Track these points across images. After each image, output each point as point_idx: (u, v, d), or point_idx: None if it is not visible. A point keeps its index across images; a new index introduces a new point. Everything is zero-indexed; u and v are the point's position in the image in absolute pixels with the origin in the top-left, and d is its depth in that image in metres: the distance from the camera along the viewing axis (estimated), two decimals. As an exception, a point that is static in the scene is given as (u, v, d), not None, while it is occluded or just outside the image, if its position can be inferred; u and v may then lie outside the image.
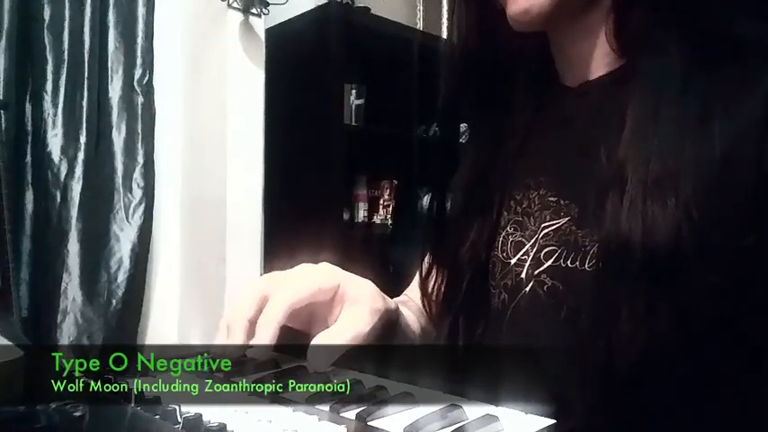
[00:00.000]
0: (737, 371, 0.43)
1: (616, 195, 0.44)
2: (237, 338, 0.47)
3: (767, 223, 0.41)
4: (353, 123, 2.26)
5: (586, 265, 0.48)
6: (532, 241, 0.54)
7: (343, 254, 1.98)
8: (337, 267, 0.53)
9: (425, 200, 2.13)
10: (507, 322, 0.54)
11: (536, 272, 0.52)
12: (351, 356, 0.48)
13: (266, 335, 0.45)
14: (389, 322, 0.54)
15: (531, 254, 0.53)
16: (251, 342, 0.46)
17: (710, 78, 0.44)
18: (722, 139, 0.42)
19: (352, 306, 0.50)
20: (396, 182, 2.42)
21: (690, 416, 0.43)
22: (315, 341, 0.47)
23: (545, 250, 0.52)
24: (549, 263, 0.51)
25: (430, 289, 0.63)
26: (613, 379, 0.43)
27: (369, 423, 0.35)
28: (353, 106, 2.27)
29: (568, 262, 0.50)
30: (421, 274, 0.64)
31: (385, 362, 0.52)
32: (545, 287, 0.51)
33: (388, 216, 2.41)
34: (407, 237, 2.22)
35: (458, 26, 0.59)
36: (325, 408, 0.38)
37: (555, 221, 0.52)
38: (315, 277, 0.50)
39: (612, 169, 0.45)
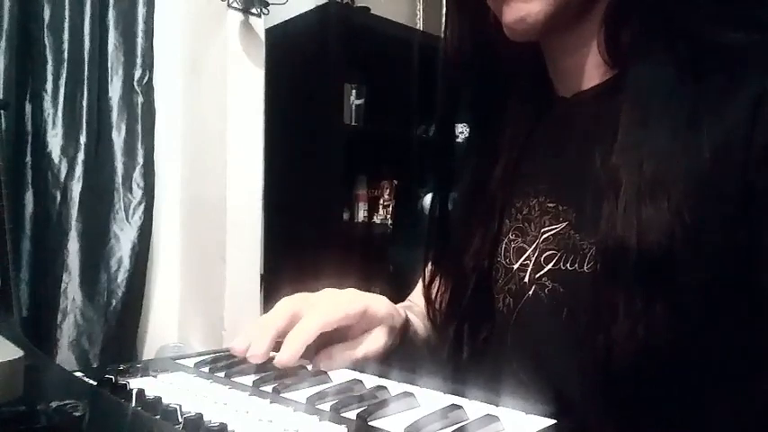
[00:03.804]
0: (735, 369, 0.44)
1: (611, 200, 0.45)
2: (264, 345, 0.49)
3: (754, 223, 0.42)
4: (353, 123, 2.26)
5: (585, 268, 0.49)
6: (533, 246, 0.55)
7: (344, 254, 1.98)
8: (360, 292, 0.57)
9: (425, 201, 2.14)
10: (512, 326, 0.55)
11: (537, 276, 0.53)
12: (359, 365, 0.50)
13: (295, 347, 0.48)
14: (400, 333, 0.58)
15: (533, 258, 0.54)
16: (281, 352, 0.48)
17: (698, 86, 0.45)
18: (710, 144, 0.43)
19: (375, 328, 0.55)
20: (396, 182, 2.42)
21: (688, 413, 0.43)
22: (331, 349, 0.51)
23: (545, 254, 0.53)
24: (550, 266, 0.52)
25: (433, 297, 0.64)
26: (612, 377, 0.43)
27: (369, 423, 0.35)
28: (353, 106, 2.27)
29: (567, 265, 0.51)
30: (424, 282, 0.65)
31: (387, 362, 0.53)
32: (546, 290, 0.52)
33: (388, 216, 2.41)
34: (407, 237, 2.22)
35: (451, 37, 0.60)
36: (326, 408, 0.38)
37: (554, 226, 0.53)
38: (344, 303, 0.53)
39: (607, 175, 0.46)
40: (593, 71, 0.54)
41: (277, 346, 0.50)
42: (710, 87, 0.45)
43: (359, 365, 0.51)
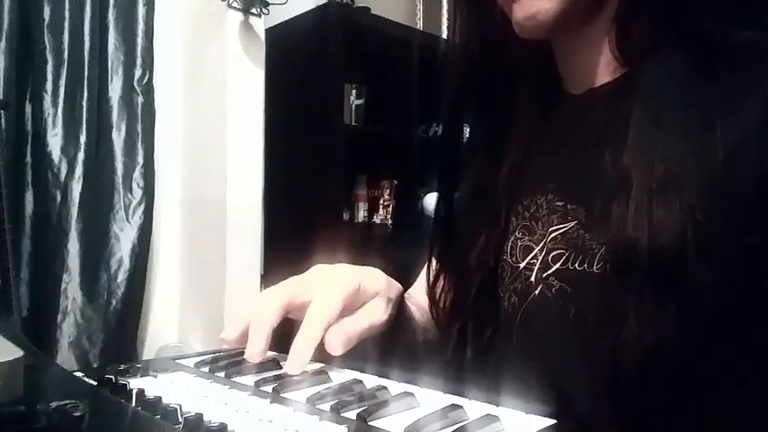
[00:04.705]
0: (744, 371, 0.43)
1: (622, 200, 0.45)
2: (259, 345, 0.49)
3: (766, 224, 0.41)
4: (353, 123, 2.26)
5: (594, 268, 0.48)
6: (541, 245, 0.54)
7: (344, 254, 1.98)
8: (351, 266, 0.55)
9: (425, 201, 2.13)
10: (518, 325, 0.55)
11: (544, 275, 0.53)
12: (356, 349, 0.49)
13: (304, 355, 0.47)
14: (396, 306, 0.57)
15: (540, 257, 0.54)
16: (290, 361, 0.47)
17: (711, 85, 0.45)
18: (724, 144, 0.43)
19: (372, 300, 0.54)
20: (396, 182, 2.42)
21: (696, 416, 0.43)
22: (332, 328, 0.49)
23: (553, 253, 0.52)
24: (557, 266, 0.52)
25: (437, 296, 0.63)
26: (620, 379, 0.43)
27: (369, 423, 0.35)
28: (353, 106, 2.27)
29: (576, 265, 0.50)
30: (428, 281, 0.64)
31: (390, 354, 0.53)
32: (553, 290, 0.52)
33: (388, 216, 2.41)
34: (407, 237, 2.22)
35: (459, 35, 0.59)
36: (326, 408, 0.38)
37: (562, 225, 0.52)
38: (339, 285, 0.52)
39: (618, 175, 0.46)
40: (604, 68, 0.54)
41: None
42: (723, 86, 0.44)
43: (366, 337, 0.51)
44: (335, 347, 0.48)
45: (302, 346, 0.47)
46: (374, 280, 0.55)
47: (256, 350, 0.48)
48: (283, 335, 0.51)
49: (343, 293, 0.51)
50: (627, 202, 0.44)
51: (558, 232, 0.53)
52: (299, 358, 0.47)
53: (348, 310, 0.53)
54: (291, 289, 0.52)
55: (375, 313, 0.53)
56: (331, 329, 0.49)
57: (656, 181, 0.43)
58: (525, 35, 0.53)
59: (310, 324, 0.49)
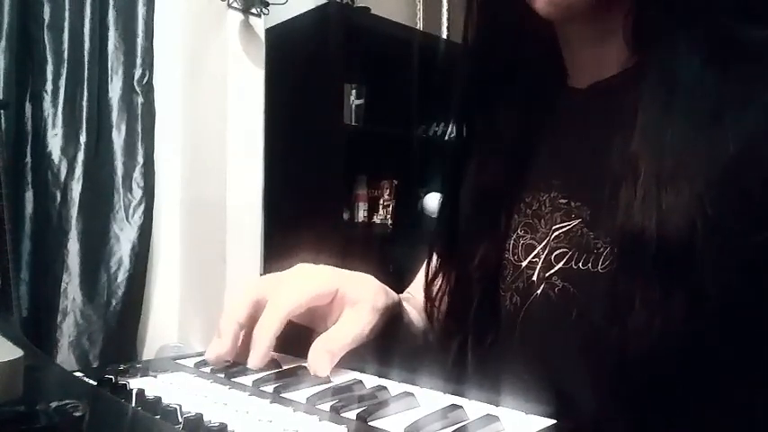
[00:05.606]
0: (751, 369, 0.43)
1: (629, 188, 0.44)
2: (227, 342, 0.48)
3: None
4: (353, 123, 2.26)
5: (599, 267, 0.48)
6: (543, 244, 0.53)
7: (343, 254, 1.98)
8: (336, 269, 0.53)
9: (425, 201, 2.12)
10: (519, 325, 0.54)
11: (547, 274, 0.52)
12: (353, 355, 0.49)
13: (261, 348, 0.46)
14: (392, 318, 0.54)
15: (543, 256, 0.53)
16: (250, 356, 0.46)
17: (724, 76, 0.44)
18: (734, 136, 0.42)
19: (353, 307, 0.51)
20: (396, 182, 2.42)
21: (701, 415, 0.43)
22: (314, 346, 0.47)
23: (556, 252, 0.52)
24: (560, 265, 0.51)
25: (434, 293, 0.62)
26: (627, 377, 0.43)
27: (369, 423, 0.35)
28: (353, 106, 2.27)
29: (580, 264, 0.49)
30: (426, 278, 0.63)
31: (387, 361, 0.52)
32: (556, 289, 0.51)
33: (388, 216, 2.41)
34: (407, 237, 2.22)
35: (463, 28, 0.59)
36: (326, 408, 0.38)
37: (566, 223, 0.52)
38: (313, 282, 0.50)
39: (625, 164, 0.45)
40: (613, 60, 0.52)
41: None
42: (736, 77, 0.44)
43: (353, 350, 0.49)
44: (321, 369, 0.45)
45: (259, 337, 0.46)
46: (358, 286, 0.52)
47: (224, 349, 0.48)
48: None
49: (317, 289, 0.49)
50: (634, 190, 0.43)
51: (561, 230, 0.52)
52: (256, 351, 0.46)
53: (321, 311, 0.51)
54: (264, 285, 0.50)
55: (356, 325, 0.50)
56: (314, 349, 0.47)
57: (664, 169, 0.43)
58: (549, 15, 0.51)
59: (268, 314, 0.47)
